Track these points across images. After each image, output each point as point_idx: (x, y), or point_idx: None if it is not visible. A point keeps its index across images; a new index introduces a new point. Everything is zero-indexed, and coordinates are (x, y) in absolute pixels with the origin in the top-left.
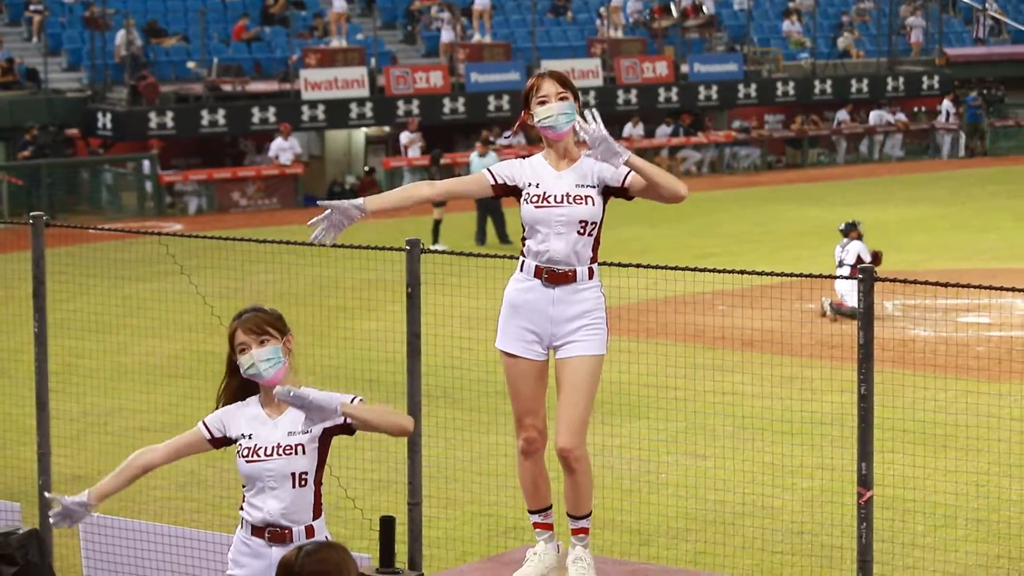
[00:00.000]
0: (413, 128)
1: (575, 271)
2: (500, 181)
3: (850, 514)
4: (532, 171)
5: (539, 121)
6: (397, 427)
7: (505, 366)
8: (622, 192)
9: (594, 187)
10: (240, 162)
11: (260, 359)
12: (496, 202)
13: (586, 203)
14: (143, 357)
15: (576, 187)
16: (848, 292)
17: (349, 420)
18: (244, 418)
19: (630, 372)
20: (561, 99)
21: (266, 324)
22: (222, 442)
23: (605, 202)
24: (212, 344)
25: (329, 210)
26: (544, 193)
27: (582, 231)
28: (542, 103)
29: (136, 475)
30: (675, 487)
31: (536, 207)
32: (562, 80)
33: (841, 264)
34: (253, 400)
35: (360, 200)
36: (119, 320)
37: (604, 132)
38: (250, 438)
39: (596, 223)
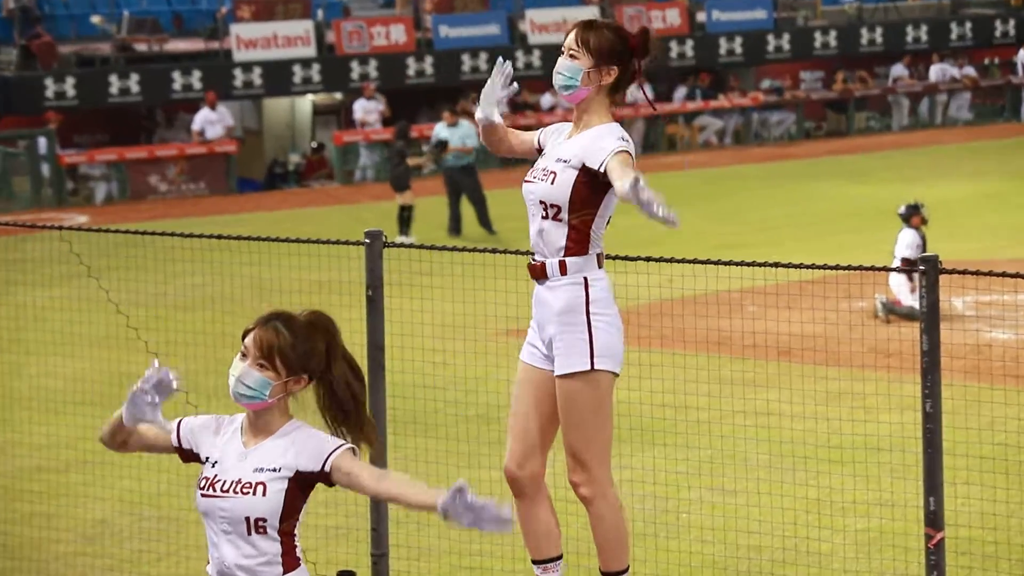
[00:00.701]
0: (370, 94)
1: (544, 264)
2: (542, 143)
3: (916, 561)
4: (553, 136)
5: None
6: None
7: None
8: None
9: (567, 162)
10: (158, 139)
11: (242, 378)
12: (473, 180)
13: (547, 179)
14: (41, 380)
15: (555, 160)
16: (902, 288)
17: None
18: (219, 437)
19: (640, 390)
20: (570, 56)
21: (278, 353)
22: (189, 456)
23: (592, 186)
24: (128, 363)
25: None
26: (535, 164)
27: (546, 214)
28: (560, 52)
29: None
30: (699, 530)
31: (525, 181)
32: (585, 34)
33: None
34: (239, 418)
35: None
36: (10, 335)
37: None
38: (214, 466)
39: (560, 207)
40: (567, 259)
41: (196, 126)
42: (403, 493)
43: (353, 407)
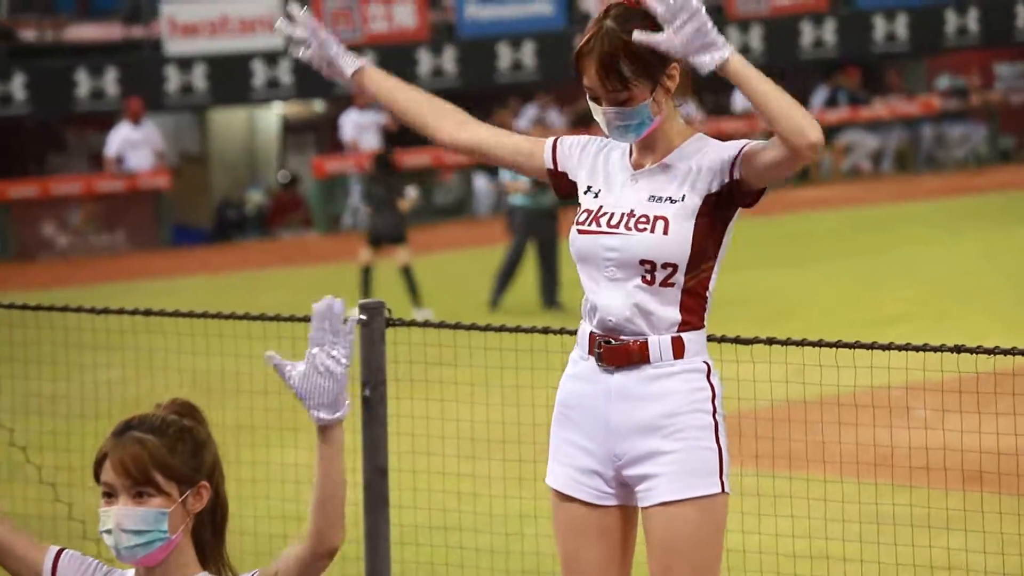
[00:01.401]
0: (365, 103)
1: (644, 342)
2: (560, 162)
3: None
4: (601, 162)
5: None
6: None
7: (553, 514)
8: (736, 192)
9: (677, 201)
10: (54, 170)
11: (125, 525)
12: (552, 231)
13: (652, 229)
14: None
15: (648, 200)
16: None
17: None
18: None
19: (762, 532)
20: (616, 103)
21: (156, 466)
22: None
23: (715, 226)
24: (11, 498)
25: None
26: (599, 208)
27: (648, 278)
28: (591, 97)
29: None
30: None
31: (580, 231)
32: (609, 69)
33: None
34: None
35: (357, 61)
36: None
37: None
38: None
39: (675, 265)
40: (684, 335)
41: (111, 150)
42: None
43: (222, 531)
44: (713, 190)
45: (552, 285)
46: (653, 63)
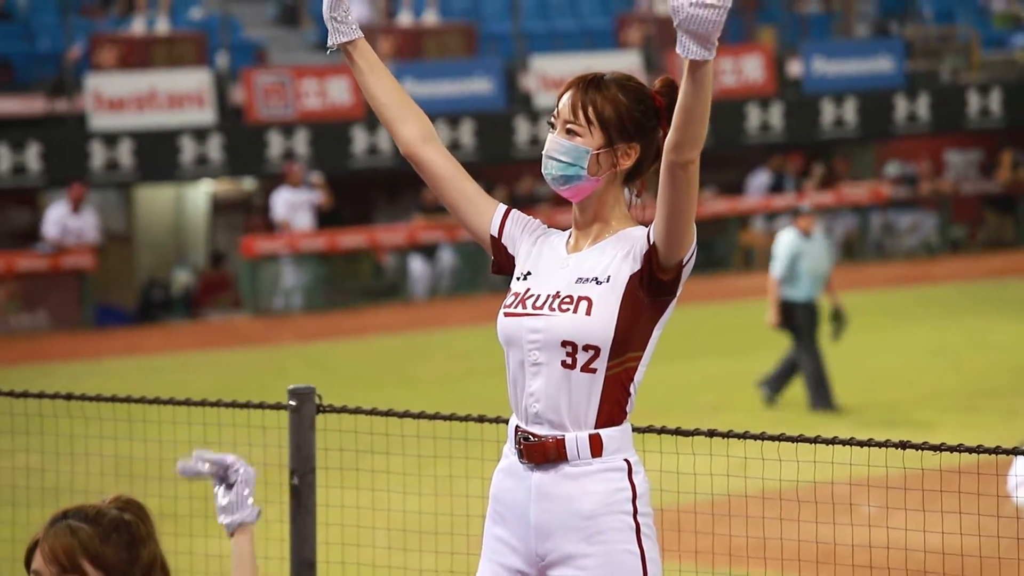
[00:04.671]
0: (297, 181)
1: (561, 439)
2: (506, 232)
3: None
4: (538, 247)
5: None
6: None
7: None
8: (656, 265)
9: (603, 283)
10: None
11: None
12: (812, 323)
13: (575, 309)
14: None
15: (576, 282)
16: None
17: None
18: None
19: None
20: (568, 132)
21: (85, 556)
22: None
23: (642, 311)
24: None
25: None
26: (527, 291)
27: (569, 362)
28: (550, 123)
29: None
30: None
31: (506, 314)
32: (588, 100)
33: None
34: None
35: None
36: None
37: None
38: None
39: (597, 348)
40: (602, 432)
41: (52, 231)
42: None
43: None
44: (636, 268)
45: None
46: (621, 125)
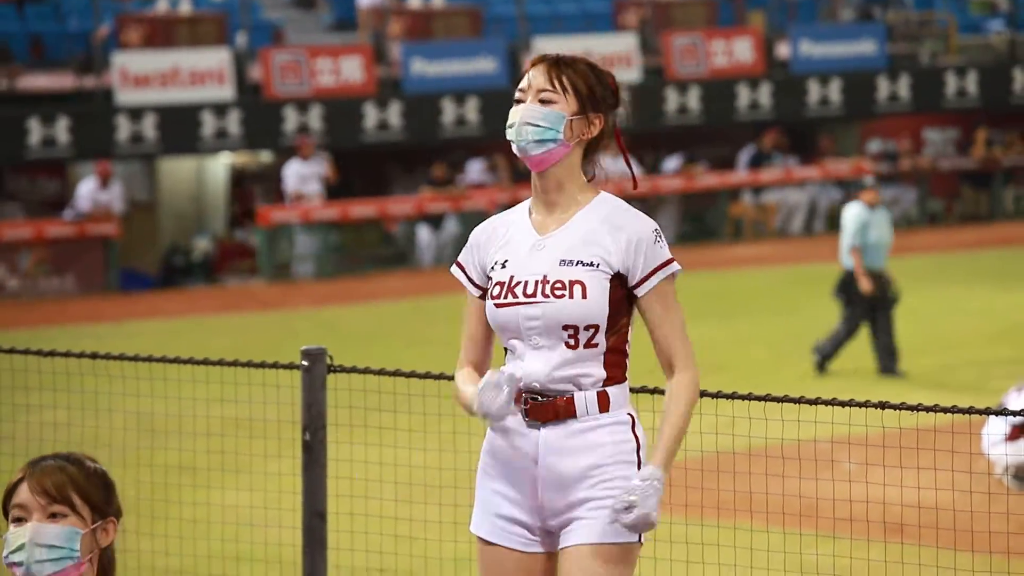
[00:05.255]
0: (308, 153)
1: (570, 398)
2: (477, 278)
3: None
4: (505, 236)
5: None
6: None
7: (478, 561)
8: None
9: (589, 266)
10: (5, 215)
11: (37, 540)
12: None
13: (571, 294)
14: None
15: (560, 265)
16: None
17: None
18: None
19: None
20: (543, 101)
21: (74, 490)
22: None
23: (627, 291)
24: None
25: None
26: (511, 279)
27: (572, 343)
28: (516, 101)
29: None
30: None
31: (498, 305)
32: (561, 70)
33: None
34: None
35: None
36: None
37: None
38: None
39: (596, 326)
40: (608, 389)
41: (83, 205)
42: None
43: None
44: (619, 273)
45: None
46: (592, 96)
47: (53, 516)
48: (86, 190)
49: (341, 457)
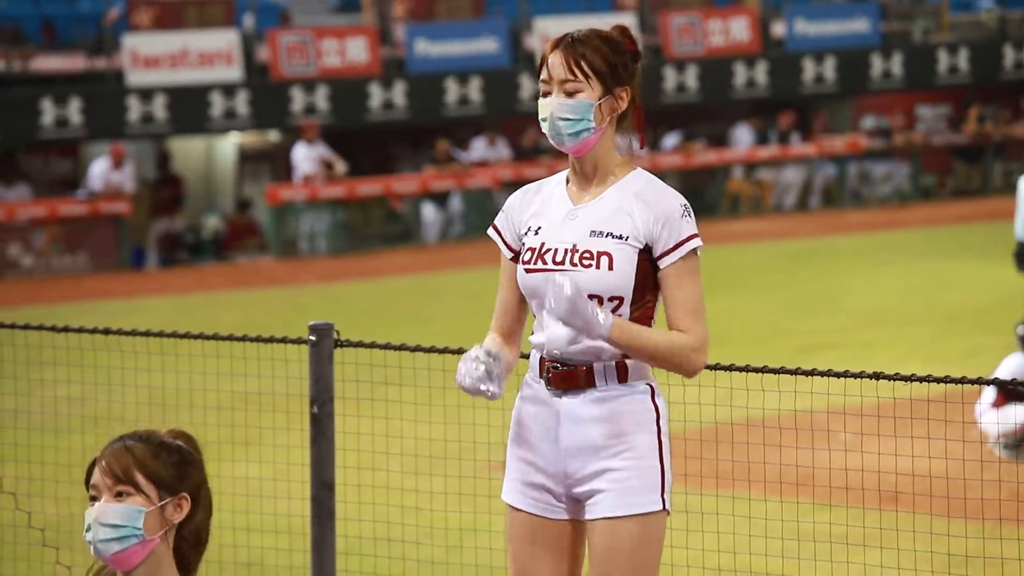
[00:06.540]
0: (313, 136)
1: (589, 368)
2: (508, 242)
3: None
4: (540, 204)
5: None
6: None
7: (508, 527)
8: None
9: (619, 239)
10: (18, 194)
11: (102, 519)
12: None
13: (597, 265)
14: None
15: (590, 236)
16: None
17: None
18: None
19: (689, 547)
20: (568, 93)
21: (139, 468)
22: None
23: (655, 265)
24: None
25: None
26: (542, 245)
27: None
28: (543, 93)
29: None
30: None
31: (528, 270)
32: (578, 55)
33: None
34: None
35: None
36: None
37: (570, 293)
38: None
39: (621, 298)
40: (628, 360)
41: (96, 184)
42: None
43: (202, 551)
44: (647, 246)
45: None
46: (614, 72)
47: (119, 495)
48: (99, 170)
49: (348, 430)
